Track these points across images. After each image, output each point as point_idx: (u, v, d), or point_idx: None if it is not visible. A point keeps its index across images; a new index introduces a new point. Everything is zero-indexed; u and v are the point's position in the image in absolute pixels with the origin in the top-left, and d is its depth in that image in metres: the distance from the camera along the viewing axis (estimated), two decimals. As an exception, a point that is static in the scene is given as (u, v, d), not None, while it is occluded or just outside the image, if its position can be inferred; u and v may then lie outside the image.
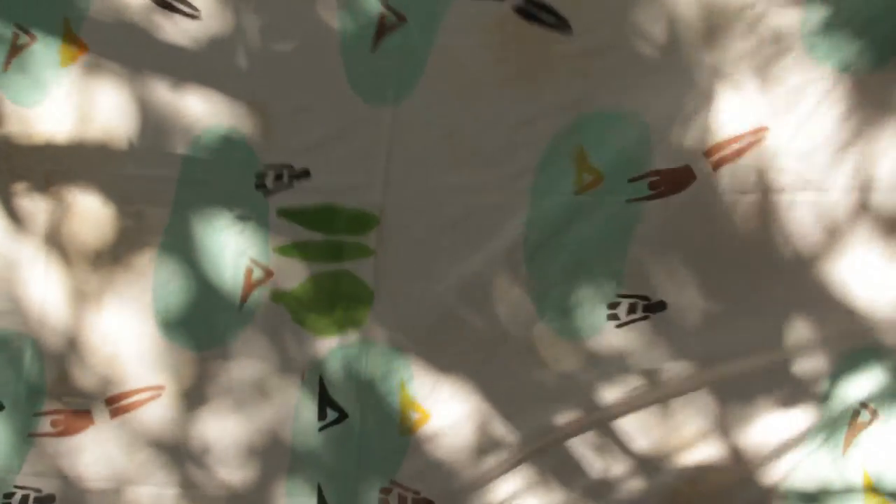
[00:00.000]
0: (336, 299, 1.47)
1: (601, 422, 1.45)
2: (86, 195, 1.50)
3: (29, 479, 1.47)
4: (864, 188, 1.43)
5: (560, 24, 1.49)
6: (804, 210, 1.43)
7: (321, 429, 1.46)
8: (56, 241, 1.49)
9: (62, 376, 1.47)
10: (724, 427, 1.44)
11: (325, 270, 1.48)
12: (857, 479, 1.42)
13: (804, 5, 1.42)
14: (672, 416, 1.44)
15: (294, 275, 1.48)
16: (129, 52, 1.52)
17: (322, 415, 1.46)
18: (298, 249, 1.48)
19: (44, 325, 1.48)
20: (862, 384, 1.44)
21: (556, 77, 1.49)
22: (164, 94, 1.52)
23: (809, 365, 1.44)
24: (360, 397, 1.46)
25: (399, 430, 1.45)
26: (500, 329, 1.46)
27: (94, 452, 1.46)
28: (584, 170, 1.47)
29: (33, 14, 1.53)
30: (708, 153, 1.45)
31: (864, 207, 1.44)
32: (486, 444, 1.45)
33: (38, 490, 1.47)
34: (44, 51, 1.53)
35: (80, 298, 1.49)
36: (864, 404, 1.44)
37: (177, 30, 1.53)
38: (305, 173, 1.50)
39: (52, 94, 1.52)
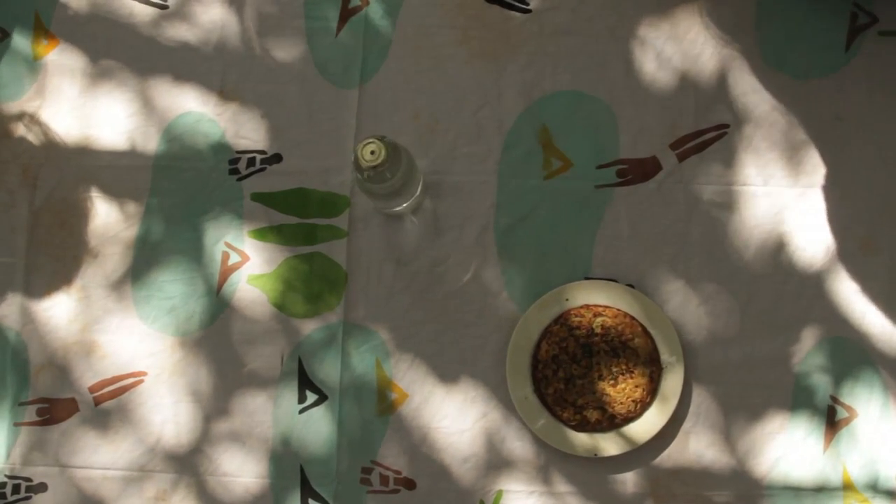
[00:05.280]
0: (311, 281, 1.48)
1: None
2: (63, 187, 1.52)
3: (18, 468, 1.48)
4: (813, 184, 1.47)
5: (520, 3, 1.52)
6: (767, 202, 1.47)
7: (301, 411, 1.47)
8: (35, 233, 1.51)
9: (46, 365, 1.49)
10: (710, 420, 1.44)
11: (299, 253, 1.49)
12: (837, 477, 1.43)
13: (756, 21, 1.50)
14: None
15: (269, 258, 1.49)
16: (99, 43, 1.55)
17: (302, 397, 1.47)
18: (273, 233, 1.50)
19: (26, 315, 1.50)
20: (839, 381, 1.44)
21: (518, 57, 1.51)
22: (136, 83, 1.54)
23: (786, 359, 1.45)
24: (338, 379, 1.47)
25: (377, 410, 1.46)
26: (474, 309, 1.47)
27: (80, 440, 1.48)
28: (551, 154, 1.49)
29: (4, 9, 1.55)
30: (673, 145, 1.48)
31: (816, 203, 1.48)
32: (464, 424, 1.46)
33: (28, 479, 1.48)
34: (17, 45, 1.55)
35: (61, 288, 1.50)
36: (842, 402, 1.43)
37: (147, 19, 1.55)
38: (278, 158, 1.51)
39: (26, 88, 1.54)
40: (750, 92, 1.49)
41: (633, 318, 1.44)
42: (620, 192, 1.48)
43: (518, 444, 1.45)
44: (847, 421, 1.44)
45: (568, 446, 1.43)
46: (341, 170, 1.50)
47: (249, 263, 1.49)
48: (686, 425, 1.44)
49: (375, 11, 1.52)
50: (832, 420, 1.43)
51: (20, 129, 1.53)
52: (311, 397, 1.47)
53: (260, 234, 1.50)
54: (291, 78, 1.52)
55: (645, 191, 1.48)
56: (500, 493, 1.45)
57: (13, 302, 1.50)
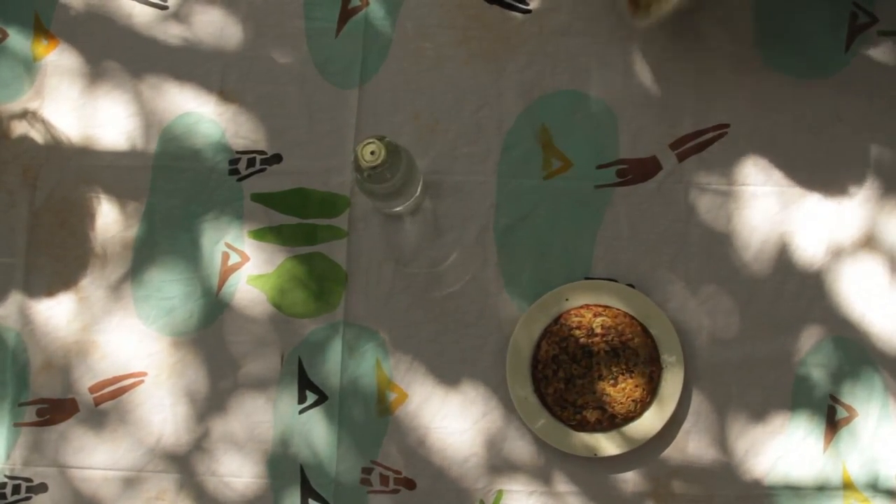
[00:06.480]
0: (311, 281, 1.48)
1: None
2: (63, 187, 1.52)
3: (18, 469, 1.48)
4: (813, 184, 1.48)
5: (520, 3, 1.52)
6: (767, 202, 1.47)
7: (301, 411, 1.47)
8: (35, 233, 1.51)
9: (46, 366, 1.49)
10: (710, 420, 1.44)
11: (299, 253, 1.49)
12: (837, 477, 1.43)
13: (755, 21, 1.50)
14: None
15: (269, 258, 1.49)
16: (99, 43, 1.55)
17: (302, 397, 1.47)
18: (273, 233, 1.50)
19: (26, 316, 1.49)
20: (839, 381, 1.44)
21: (518, 57, 1.51)
22: (136, 84, 1.54)
23: (786, 359, 1.45)
24: (338, 379, 1.46)
25: (377, 410, 1.46)
26: (474, 309, 1.47)
27: (80, 440, 1.47)
28: (551, 154, 1.49)
29: (3, 9, 1.55)
30: (673, 145, 1.48)
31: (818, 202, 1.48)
32: (464, 424, 1.46)
33: (28, 480, 1.48)
34: (16, 46, 1.55)
35: (61, 288, 1.50)
36: (842, 402, 1.43)
37: (146, 20, 1.55)
38: (277, 158, 1.51)
39: (26, 89, 1.54)
40: (750, 92, 1.49)
41: (633, 318, 1.44)
42: (620, 192, 1.49)
43: (518, 444, 1.45)
44: (847, 420, 1.44)
45: (568, 446, 1.43)
46: (341, 170, 1.50)
47: (249, 264, 1.49)
48: (686, 425, 1.45)
49: (375, 12, 1.53)
50: (832, 420, 1.43)
51: (23, 126, 1.53)
52: (311, 397, 1.47)
53: (260, 235, 1.50)
54: (291, 78, 1.52)
55: (645, 191, 1.48)
56: (500, 492, 1.45)
57: (13, 302, 1.50)
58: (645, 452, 1.44)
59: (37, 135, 1.53)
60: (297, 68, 1.52)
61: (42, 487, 1.48)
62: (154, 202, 1.51)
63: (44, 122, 1.53)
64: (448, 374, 1.47)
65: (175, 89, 1.53)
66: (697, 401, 1.45)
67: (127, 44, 1.54)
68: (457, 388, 1.47)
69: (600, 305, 1.44)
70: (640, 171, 1.49)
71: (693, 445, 1.44)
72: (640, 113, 1.49)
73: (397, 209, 1.44)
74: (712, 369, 1.45)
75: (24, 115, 1.54)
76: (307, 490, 1.45)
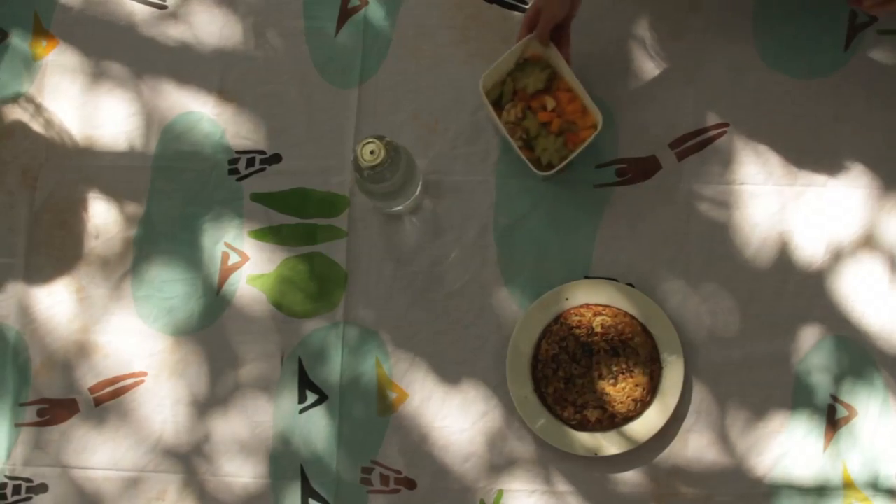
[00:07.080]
0: (311, 281, 1.48)
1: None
2: (63, 187, 1.52)
3: (18, 469, 1.48)
4: (812, 183, 1.47)
5: (520, 3, 1.52)
6: (767, 201, 1.47)
7: (301, 411, 1.47)
8: (35, 234, 1.51)
9: (46, 365, 1.49)
10: (710, 419, 1.44)
11: (299, 253, 1.49)
12: (838, 476, 1.43)
13: (755, 21, 1.50)
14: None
15: (269, 258, 1.49)
16: (98, 43, 1.55)
17: (302, 397, 1.47)
18: (272, 233, 1.50)
19: (26, 315, 1.50)
20: (839, 380, 1.44)
21: (517, 57, 1.51)
22: (135, 83, 1.54)
23: (786, 358, 1.45)
24: (338, 379, 1.46)
25: (378, 409, 1.46)
26: (474, 309, 1.47)
27: (81, 440, 1.48)
28: (551, 154, 1.49)
29: (3, 10, 1.56)
30: (672, 144, 1.48)
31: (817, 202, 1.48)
32: (465, 423, 1.46)
33: (28, 480, 1.48)
34: (16, 46, 1.55)
35: (61, 288, 1.50)
36: (842, 401, 1.43)
37: (146, 20, 1.55)
38: (277, 158, 1.51)
39: (26, 89, 1.54)
40: (749, 91, 1.49)
41: (632, 317, 1.44)
42: (620, 192, 1.49)
43: (518, 444, 1.45)
44: (847, 420, 1.44)
45: (568, 446, 1.43)
46: (341, 170, 1.50)
47: (249, 263, 1.50)
48: (686, 424, 1.45)
49: (375, 11, 1.53)
50: (832, 419, 1.43)
51: (22, 127, 1.53)
52: (312, 397, 1.47)
53: (260, 235, 1.50)
54: (291, 78, 1.52)
55: (644, 190, 1.48)
56: (500, 492, 1.45)
57: (13, 302, 1.50)
58: (645, 452, 1.44)
59: (37, 135, 1.53)
60: (296, 68, 1.53)
61: (42, 488, 1.48)
62: (154, 202, 1.51)
63: (43, 122, 1.53)
64: (448, 374, 1.47)
65: (175, 89, 1.53)
66: (697, 400, 1.45)
67: (127, 44, 1.55)
68: (457, 387, 1.47)
69: (600, 305, 1.44)
70: (639, 170, 1.49)
71: (693, 445, 1.44)
72: (640, 112, 1.49)
73: (397, 209, 1.44)
74: (712, 368, 1.45)
75: (24, 114, 1.54)
76: (307, 489, 1.45)
